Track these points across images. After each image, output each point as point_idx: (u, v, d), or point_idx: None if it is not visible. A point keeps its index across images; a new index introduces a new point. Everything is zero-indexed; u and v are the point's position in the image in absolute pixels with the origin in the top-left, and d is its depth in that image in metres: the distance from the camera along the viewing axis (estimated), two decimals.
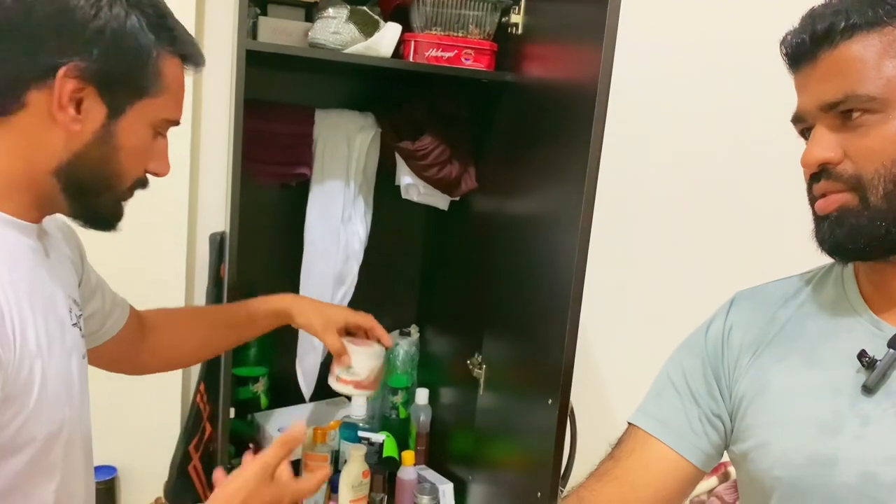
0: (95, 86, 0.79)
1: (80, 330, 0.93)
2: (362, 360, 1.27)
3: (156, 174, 0.91)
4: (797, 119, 0.82)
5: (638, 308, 1.91)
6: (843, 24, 0.74)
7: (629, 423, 0.95)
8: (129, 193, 0.89)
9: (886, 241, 0.75)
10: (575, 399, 1.38)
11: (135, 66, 0.81)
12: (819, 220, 0.80)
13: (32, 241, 0.84)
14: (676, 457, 0.90)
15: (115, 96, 0.81)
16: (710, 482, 1.68)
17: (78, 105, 0.79)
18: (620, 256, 1.88)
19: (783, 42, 0.81)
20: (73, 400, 0.87)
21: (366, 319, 1.32)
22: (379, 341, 1.32)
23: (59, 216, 0.91)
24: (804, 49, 0.78)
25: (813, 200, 0.81)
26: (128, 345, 1.14)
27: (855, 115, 0.75)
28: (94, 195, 0.85)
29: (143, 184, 0.90)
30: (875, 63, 0.73)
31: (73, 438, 0.87)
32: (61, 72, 0.77)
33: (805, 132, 0.81)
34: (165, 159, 0.91)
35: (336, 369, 1.29)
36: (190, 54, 0.88)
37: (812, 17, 0.78)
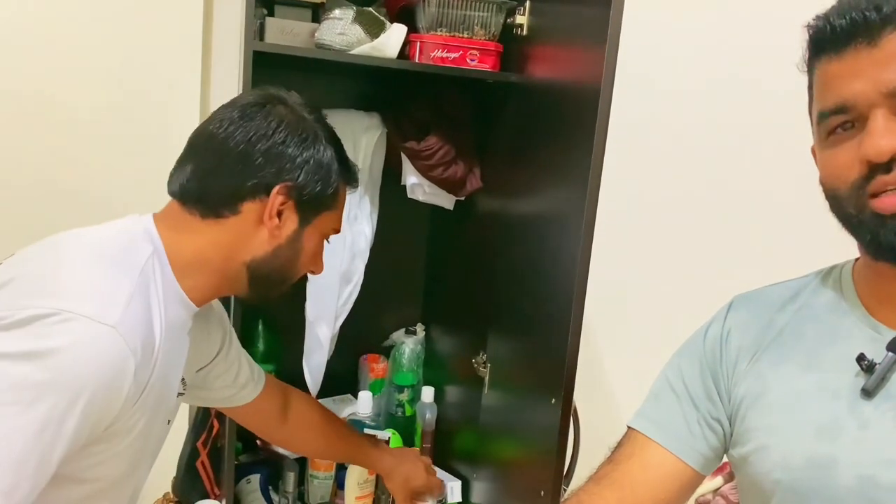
0: (295, 200, 0.98)
1: (179, 397, 1.07)
2: None
3: (313, 272, 1.10)
4: (841, 110, 0.74)
5: (643, 308, 1.92)
6: None
7: (628, 427, 0.95)
8: (291, 287, 1.08)
9: None
10: (580, 399, 1.39)
11: (325, 188, 1.01)
12: (881, 220, 0.72)
13: (188, 319, 1.00)
14: (675, 460, 0.90)
15: (306, 210, 1.00)
16: (716, 482, 1.68)
17: (280, 214, 0.98)
18: (626, 256, 1.88)
19: (817, 23, 0.75)
20: (148, 458, 1.02)
21: (436, 484, 1.47)
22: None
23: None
24: (863, 28, 0.71)
25: (859, 199, 0.74)
26: (262, 418, 1.31)
27: None
28: (271, 286, 1.04)
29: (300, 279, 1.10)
30: None
31: (128, 490, 1.01)
32: (275, 189, 0.96)
33: (840, 125, 0.75)
34: (322, 261, 1.10)
35: None
36: (354, 180, 1.08)
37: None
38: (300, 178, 0.98)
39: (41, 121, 1.49)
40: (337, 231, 1.08)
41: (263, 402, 1.28)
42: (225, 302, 1.54)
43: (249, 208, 0.97)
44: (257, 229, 0.98)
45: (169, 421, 1.04)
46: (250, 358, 1.27)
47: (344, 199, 1.07)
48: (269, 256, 1.00)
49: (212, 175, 0.97)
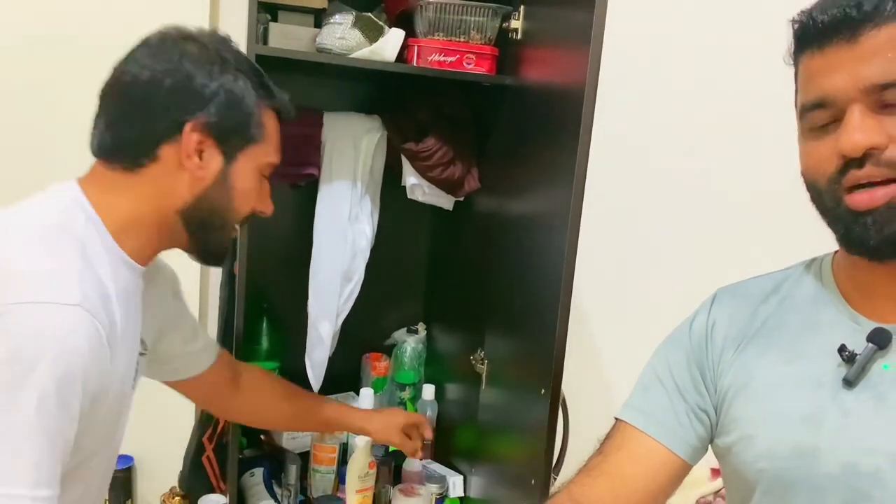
0: (213, 137, 0.95)
1: (137, 364, 1.04)
2: None
3: (262, 213, 1.06)
4: (820, 104, 0.74)
5: (637, 302, 1.94)
6: (892, 4, 0.70)
7: (616, 419, 0.96)
8: (236, 231, 1.05)
9: None
10: (574, 392, 1.42)
11: (243, 119, 0.97)
12: (855, 216, 0.73)
13: (138, 280, 0.98)
14: (665, 450, 0.91)
15: (228, 146, 0.97)
16: (717, 483, 1.69)
17: (200, 154, 0.95)
18: (618, 252, 1.92)
19: (799, 21, 0.76)
20: (122, 422, 1.02)
21: (418, 417, 1.52)
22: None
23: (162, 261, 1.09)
24: (843, 25, 0.71)
25: (835, 193, 0.74)
26: (212, 390, 1.28)
27: None
28: (211, 231, 1.01)
29: (247, 221, 1.06)
30: None
31: (107, 456, 1.01)
32: (187, 127, 0.93)
33: (822, 120, 0.75)
34: (269, 200, 1.06)
35: None
36: (283, 108, 1.05)
37: None
38: (213, 112, 0.94)
39: (47, 125, 1.52)
40: (274, 165, 1.04)
41: (214, 373, 1.25)
42: (229, 301, 1.58)
43: (167, 152, 0.94)
44: (180, 174, 0.95)
45: (133, 386, 1.03)
46: (202, 328, 1.26)
47: (274, 129, 1.03)
48: (199, 201, 0.97)
49: (123, 122, 0.94)
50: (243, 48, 1.31)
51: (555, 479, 1.25)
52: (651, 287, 1.93)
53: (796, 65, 0.80)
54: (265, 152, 1.02)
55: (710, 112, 1.84)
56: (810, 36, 0.75)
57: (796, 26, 0.77)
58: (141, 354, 1.03)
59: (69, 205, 0.91)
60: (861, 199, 0.73)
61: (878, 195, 0.72)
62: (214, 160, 0.97)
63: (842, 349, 0.80)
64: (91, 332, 0.82)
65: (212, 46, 0.97)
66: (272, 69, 1.34)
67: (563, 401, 1.38)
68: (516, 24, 1.43)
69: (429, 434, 1.51)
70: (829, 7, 0.73)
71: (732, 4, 1.84)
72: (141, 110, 0.94)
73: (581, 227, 1.18)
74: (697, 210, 1.96)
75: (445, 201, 1.65)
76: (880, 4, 0.70)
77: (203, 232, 1.00)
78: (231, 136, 0.97)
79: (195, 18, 1.59)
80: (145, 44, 0.96)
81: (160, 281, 1.12)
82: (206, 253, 1.05)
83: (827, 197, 0.76)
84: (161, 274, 1.13)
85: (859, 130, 0.71)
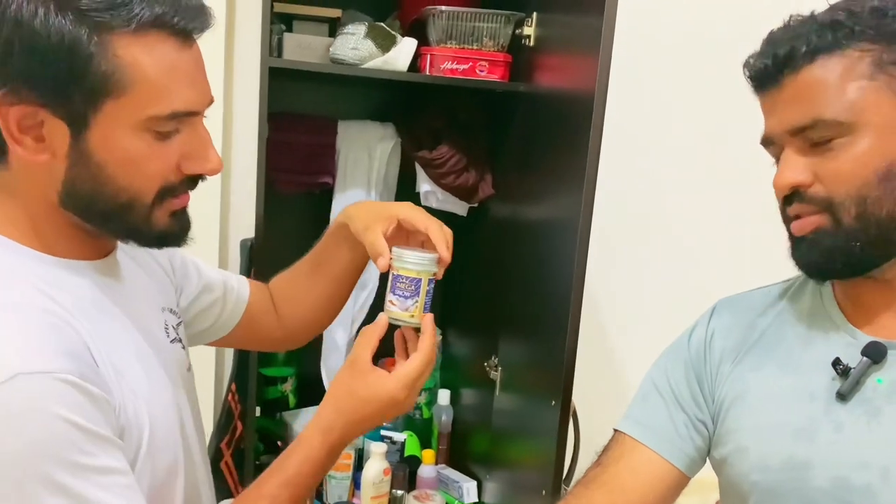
0: (43, 105, 0.69)
1: (181, 341, 0.93)
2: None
3: (201, 174, 0.78)
4: (766, 142, 0.83)
5: (651, 310, 1.93)
6: (803, 48, 0.75)
7: (615, 430, 0.96)
8: (159, 205, 0.77)
9: (862, 260, 0.77)
10: (588, 401, 1.42)
11: (71, 68, 0.67)
12: (795, 240, 0.81)
13: (98, 278, 0.79)
14: (663, 462, 0.91)
15: (69, 110, 0.69)
16: None
17: (34, 132, 0.70)
18: (632, 259, 1.90)
19: (746, 65, 0.82)
20: (187, 429, 0.87)
21: (421, 218, 0.98)
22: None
23: None
24: (767, 74, 0.79)
25: (787, 221, 0.82)
26: (262, 322, 1.13)
27: (823, 139, 0.76)
28: (115, 218, 0.76)
29: (181, 189, 0.78)
30: (838, 86, 0.74)
31: (191, 464, 0.88)
32: None
33: (776, 154, 0.82)
34: (203, 155, 0.77)
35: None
36: (162, 21, 0.70)
37: (772, 42, 0.79)
38: (20, 72, 0.67)
39: None
40: (167, 116, 0.72)
41: (255, 308, 1.11)
42: None
43: (14, 136, 0.70)
44: (33, 160, 0.71)
45: (189, 368, 0.94)
46: (221, 271, 1.13)
47: (151, 61, 0.70)
48: (68, 188, 0.73)
49: None
50: (258, 59, 1.33)
51: (565, 489, 1.25)
52: (665, 294, 1.91)
53: None
54: (139, 104, 0.70)
55: (721, 116, 1.82)
56: (753, 82, 0.82)
57: (745, 72, 0.83)
58: (174, 341, 0.91)
59: None
60: (795, 227, 0.81)
61: (806, 224, 0.79)
62: (58, 134, 0.70)
63: (836, 363, 0.80)
64: (53, 389, 0.66)
65: None
66: (287, 78, 1.37)
67: (574, 412, 1.38)
68: (529, 30, 1.43)
69: (443, 252, 0.95)
70: (758, 57, 0.80)
71: (743, 10, 1.82)
72: None
73: (593, 235, 1.18)
74: (711, 216, 1.94)
75: (459, 208, 1.65)
76: (793, 51, 0.76)
77: (107, 221, 0.77)
78: (65, 96, 0.69)
79: (210, 29, 1.63)
80: None
81: (139, 258, 0.94)
82: (141, 240, 0.81)
83: (785, 225, 0.84)
84: (135, 257, 0.94)
85: (787, 169, 0.79)
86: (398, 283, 0.92)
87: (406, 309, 0.92)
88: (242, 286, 1.13)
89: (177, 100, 0.72)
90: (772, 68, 0.78)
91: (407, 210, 0.99)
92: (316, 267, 1.15)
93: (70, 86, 0.68)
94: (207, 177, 0.80)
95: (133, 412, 0.75)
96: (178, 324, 0.95)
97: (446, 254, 0.95)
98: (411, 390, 0.89)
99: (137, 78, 0.70)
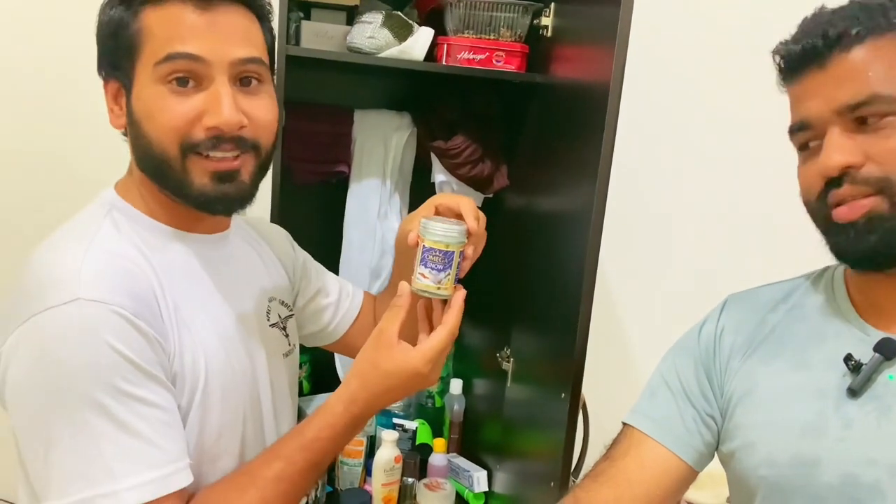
0: (116, 78, 0.85)
1: (284, 330, 1.02)
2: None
3: (216, 126, 0.82)
4: (802, 127, 0.80)
5: (664, 303, 1.92)
6: (856, 28, 0.75)
7: (624, 424, 0.97)
8: (189, 160, 0.83)
9: None
10: (599, 393, 1.42)
11: (116, 42, 0.83)
12: (839, 228, 0.78)
13: (200, 249, 0.90)
14: (672, 456, 0.91)
15: (122, 76, 0.84)
16: None
17: (119, 101, 0.86)
18: (645, 251, 1.90)
19: (779, 51, 0.81)
20: (263, 405, 0.95)
21: (455, 197, 1.00)
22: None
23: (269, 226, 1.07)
24: (812, 54, 0.77)
25: (823, 210, 0.79)
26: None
27: (874, 118, 0.74)
28: (161, 175, 0.85)
29: (207, 146, 0.83)
30: (892, 65, 0.74)
31: (258, 438, 0.94)
32: (102, 78, 0.87)
33: (808, 142, 0.81)
34: (216, 110, 0.82)
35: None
36: None
37: (819, 22, 0.78)
38: (101, 54, 0.86)
39: (80, 123, 1.54)
40: (166, 58, 0.80)
41: (367, 318, 1.18)
42: None
43: (111, 106, 0.88)
44: (119, 125, 0.88)
45: (286, 354, 1.01)
46: (339, 278, 1.21)
47: (159, 20, 0.81)
48: (133, 148, 0.87)
49: None
50: (276, 47, 1.34)
51: (574, 481, 1.25)
52: (677, 287, 1.90)
53: (786, 92, 0.85)
54: (152, 54, 0.81)
55: (736, 110, 1.80)
56: (788, 67, 0.81)
57: (776, 58, 0.82)
58: (273, 325, 0.99)
59: (97, 204, 0.88)
60: (842, 213, 0.77)
61: (857, 207, 0.76)
62: (124, 100, 0.86)
63: (848, 358, 0.80)
64: (103, 318, 0.75)
65: None
66: (304, 67, 1.37)
67: (584, 405, 1.38)
68: (547, 20, 1.43)
69: (472, 224, 0.95)
70: (801, 38, 0.79)
71: (759, 3, 1.80)
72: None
73: (606, 227, 1.17)
74: (725, 209, 1.93)
75: (474, 198, 1.65)
76: (844, 31, 0.75)
77: (159, 178, 0.86)
78: (118, 64, 0.84)
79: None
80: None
81: (272, 239, 1.09)
82: (183, 199, 0.87)
83: (818, 215, 0.81)
84: (268, 234, 1.09)
85: (836, 151, 0.76)
86: (430, 256, 0.91)
87: (438, 282, 0.91)
88: (357, 295, 1.20)
89: (177, 44, 0.81)
90: (822, 48, 0.76)
91: (441, 197, 1.01)
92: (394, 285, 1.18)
93: (117, 57, 0.84)
94: (232, 134, 0.83)
95: (191, 363, 0.84)
96: (288, 316, 1.04)
97: (474, 224, 0.95)
98: (435, 364, 0.89)
99: (149, 35, 0.82)
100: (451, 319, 0.90)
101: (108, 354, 0.75)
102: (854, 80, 0.75)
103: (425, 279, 0.91)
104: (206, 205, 0.87)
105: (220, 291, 0.92)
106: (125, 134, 0.89)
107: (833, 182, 0.77)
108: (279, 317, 1.02)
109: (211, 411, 0.86)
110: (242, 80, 0.85)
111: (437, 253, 0.90)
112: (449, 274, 0.91)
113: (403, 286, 0.92)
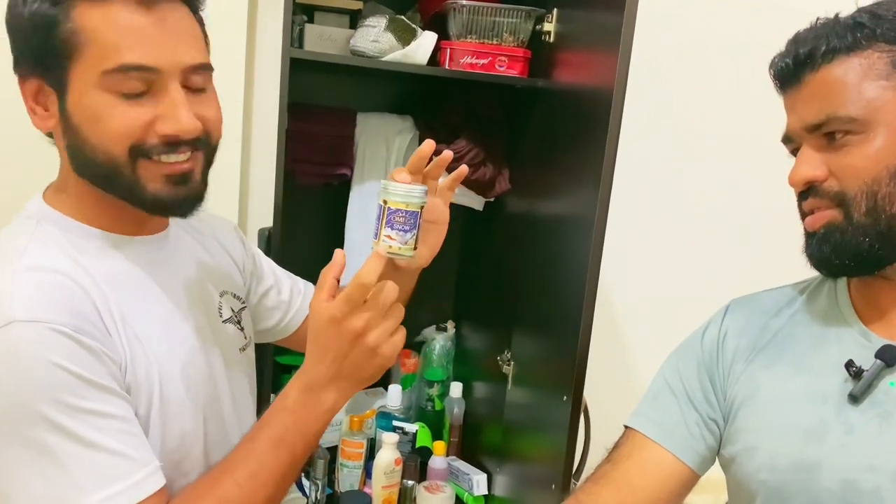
0: (40, 77, 0.79)
1: (239, 324, 1.00)
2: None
3: (174, 134, 0.80)
4: (786, 139, 0.85)
5: (667, 307, 1.92)
6: (824, 48, 0.78)
7: (626, 427, 0.97)
8: (139, 165, 0.80)
9: (871, 256, 0.78)
10: (600, 397, 1.42)
11: (43, 40, 0.77)
12: (808, 236, 0.83)
13: (140, 252, 0.87)
14: (674, 460, 0.92)
15: (52, 77, 0.79)
16: None
17: (42, 101, 0.81)
18: (647, 256, 1.90)
19: (771, 65, 0.84)
20: (223, 404, 0.93)
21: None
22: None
23: (213, 218, 1.01)
24: (789, 72, 0.81)
25: (803, 217, 0.84)
26: None
27: (838, 135, 0.78)
28: (107, 179, 0.81)
29: (158, 150, 0.80)
30: (856, 85, 0.76)
31: (221, 438, 0.92)
32: (18, 80, 0.81)
33: (795, 152, 0.84)
34: (173, 116, 0.79)
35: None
36: None
37: (795, 41, 0.81)
38: (20, 51, 0.80)
39: None
40: (117, 68, 0.76)
41: None
42: None
43: (31, 106, 0.82)
44: (44, 127, 0.83)
45: (242, 348, 0.99)
46: (292, 275, 1.20)
47: (104, 23, 0.76)
48: (70, 151, 0.82)
49: None
50: (279, 50, 1.34)
51: (575, 484, 1.26)
52: (679, 291, 1.91)
53: None
54: (96, 60, 0.76)
55: (739, 115, 1.81)
56: (777, 81, 0.85)
57: (770, 72, 0.85)
58: (226, 321, 0.97)
59: (22, 218, 0.84)
60: (808, 222, 0.84)
61: (818, 218, 0.81)
62: (52, 101, 0.80)
63: (849, 364, 0.81)
64: (42, 340, 0.73)
65: None
66: (307, 70, 1.38)
67: (586, 408, 1.38)
68: (549, 26, 1.43)
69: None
70: (782, 57, 0.84)
71: (763, 9, 1.81)
72: None
73: (609, 231, 1.18)
74: (726, 214, 1.94)
75: (476, 202, 1.66)
76: (814, 50, 0.79)
77: (106, 184, 0.82)
78: (45, 64, 0.78)
79: (233, 19, 1.64)
80: None
81: (217, 229, 1.06)
82: (135, 203, 0.84)
83: (800, 216, 0.87)
84: (212, 227, 1.05)
85: (802, 164, 0.81)
86: (395, 217, 0.91)
87: (405, 242, 0.90)
88: (309, 292, 1.18)
89: (128, 54, 0.77)
90: (792, 67, 0.81)
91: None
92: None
93: (45, 55, 0.78)
94: (187, 138, 0.81)
95: (145, 375, 0.82)
96: (241, 309, 1.02)
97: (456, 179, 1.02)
98: (352, 307, 0.82)
99: (91, 39, 0.76)
100: (366, 267, 0.84)
101: (54, 373, 0.73)
102: (817, 100, 0.79)
103: (392, 240, 0.90)
104: (161, 209, 0.86)
105: (168, 294, 0.89)
106: (50, 135, 0.84)
107: (802, 194, 0.83)
108: (232, 311, 1.00)
109: (171, 417, 0.85)
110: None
111: (402, 213, 0.90)
112: (415, 234, 0.91)
113: (338, 253, 0.89)
